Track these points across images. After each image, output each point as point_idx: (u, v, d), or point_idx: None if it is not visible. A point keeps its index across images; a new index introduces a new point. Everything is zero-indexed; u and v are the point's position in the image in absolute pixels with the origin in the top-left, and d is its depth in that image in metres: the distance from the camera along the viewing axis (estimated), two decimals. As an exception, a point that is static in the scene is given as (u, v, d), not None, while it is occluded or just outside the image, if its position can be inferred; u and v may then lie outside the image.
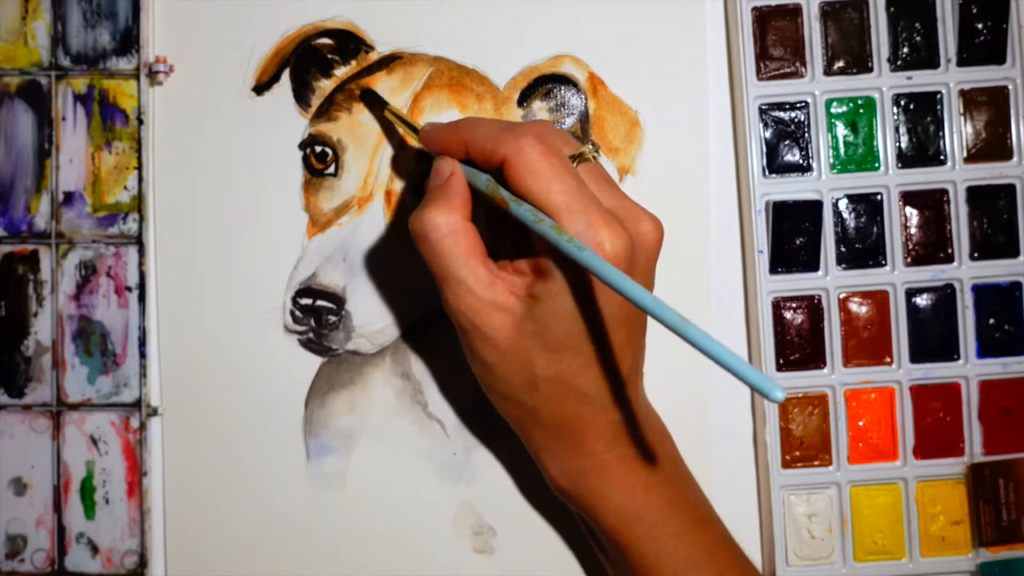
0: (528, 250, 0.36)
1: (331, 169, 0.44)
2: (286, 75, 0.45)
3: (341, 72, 0.45)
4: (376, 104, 0.44)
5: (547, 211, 0.33)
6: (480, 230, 0.36)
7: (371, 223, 0.44)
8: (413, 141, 0.43)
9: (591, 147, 0.37)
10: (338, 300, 0.43)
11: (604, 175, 0.37)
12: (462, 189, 0.36)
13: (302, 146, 0.44)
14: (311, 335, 0.44)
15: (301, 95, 0.45)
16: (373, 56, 0.45)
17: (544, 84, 0.44)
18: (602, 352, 0.35)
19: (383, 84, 0.44)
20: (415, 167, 0.44)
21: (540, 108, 0.44)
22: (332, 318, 0.43)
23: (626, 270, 0.33)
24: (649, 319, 0.34)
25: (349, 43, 0.45)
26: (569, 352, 0.35)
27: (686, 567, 0.37)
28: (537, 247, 0.35)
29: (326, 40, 0.45)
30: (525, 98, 0.44)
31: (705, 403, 0.44)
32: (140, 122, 0.44)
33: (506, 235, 0.38)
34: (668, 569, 0.37)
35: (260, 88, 0.44)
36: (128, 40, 0.44)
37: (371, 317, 0.44)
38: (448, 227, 0.35)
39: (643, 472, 0.37)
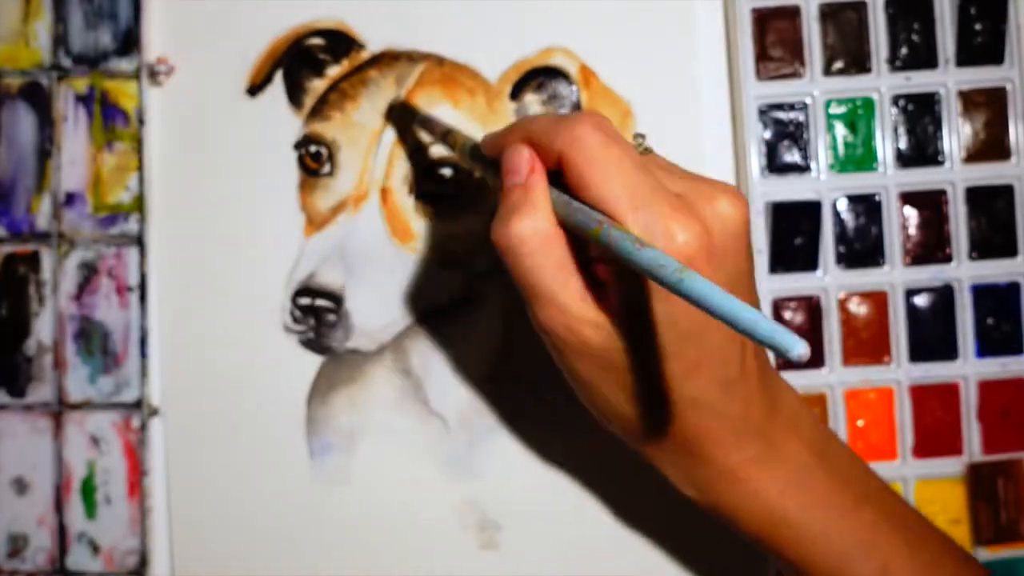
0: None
1: (326, 168, 0.44)
2: (279, 76, 0.45)
3: (334, 71, 0.45)
4: (406, 118, 0.42)
5: (610, 205, 0.30)
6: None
7: (368, 221, 0.44)
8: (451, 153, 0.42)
9: (642, 139, 0.34)
10: (337, 299, 0.43)
11: (666, 161, 0.34)
12: (544, 187, 0.32)
13: (297, 146, 0.45)
14: (311, 334, 0.44)
15: (294, 95, 0.45)
16: (365, 54, 0.45)
17: (536, 77, 0.45)
18: (704, 353, 0.32)
19: (374, 82, 0.44)
20: (411, 164, 0.44)
21: (533, 101, 0.45)
22: (331, 317, 0.43)
23: (703, 258, 0.30)
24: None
25: (341, 42, 0.45)
26: (670, 359, 0.32)
27: (842, 564, 0.34)
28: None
29: (317, 40, 0.45)
30: (517, 91, 0.45)
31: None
32: (141, 122, 0.44)
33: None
34: (822, 569, 0.34)
35: (254, 89, 0.45)
36: (129, 41, 0.44)
37: (370, 315, 0.44)
38: (539, 238, 0.31)
39: (776, 470, 0.34)
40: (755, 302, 0.35)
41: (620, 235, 0.28)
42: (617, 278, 0.31)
